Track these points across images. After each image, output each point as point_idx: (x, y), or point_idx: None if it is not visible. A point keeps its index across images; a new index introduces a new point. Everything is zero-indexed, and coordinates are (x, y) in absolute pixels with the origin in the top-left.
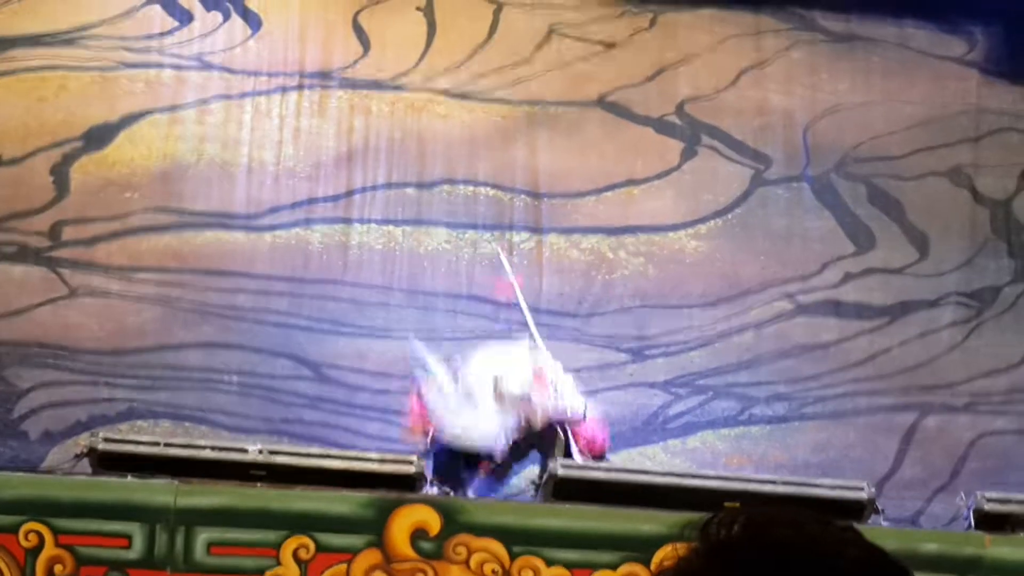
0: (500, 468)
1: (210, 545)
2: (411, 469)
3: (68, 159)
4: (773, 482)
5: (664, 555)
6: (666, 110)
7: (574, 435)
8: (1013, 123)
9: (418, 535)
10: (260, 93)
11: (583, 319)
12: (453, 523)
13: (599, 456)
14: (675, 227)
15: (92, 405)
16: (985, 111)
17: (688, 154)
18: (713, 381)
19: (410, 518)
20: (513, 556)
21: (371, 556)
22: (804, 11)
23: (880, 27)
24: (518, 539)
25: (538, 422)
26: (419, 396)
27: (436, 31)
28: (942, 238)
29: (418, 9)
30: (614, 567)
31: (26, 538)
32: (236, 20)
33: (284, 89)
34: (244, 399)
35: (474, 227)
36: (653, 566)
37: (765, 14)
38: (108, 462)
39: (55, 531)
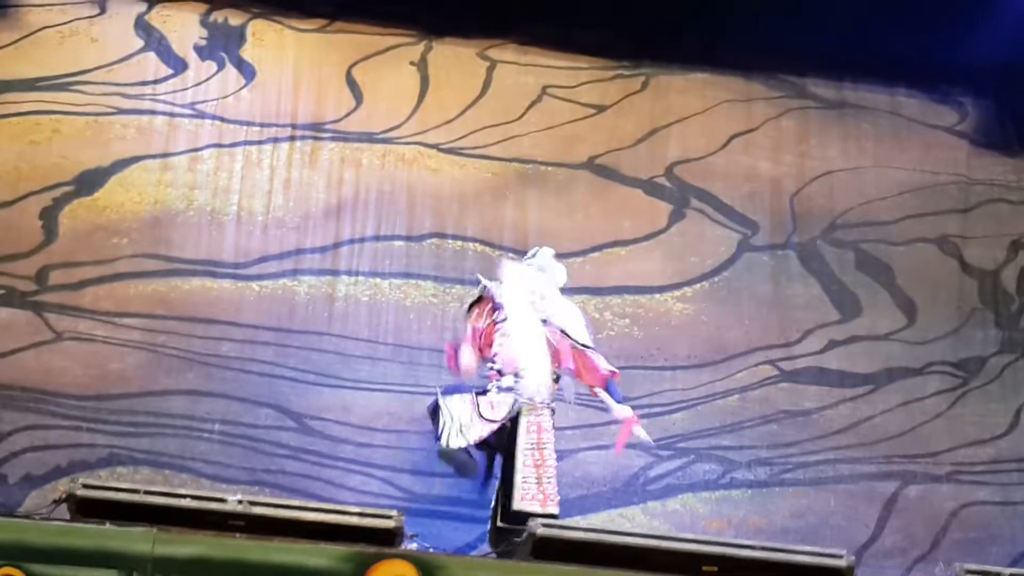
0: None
1: None
2: (391, 524)
3: (59, 203)
4: (752, 547)
5: None
6: (656, 172)
7: (583, 361)
8: (1003, 194)
9: None
10: (252, 143)
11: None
12: None
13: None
14: (661, 289)
15: (73, 450)
16: (975, 182)
17: (676, 216)
18: (695, 444)
19: (388, 573)
20: None
21: None
22: (796, 78)
23: (872, 94)
24: None
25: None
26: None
27: (429, 86)
28: (930, 306)
29: (412, 64)
30: None
31: None
32: (230, 70)
33: (276, 140)
34: (226, 448)
35: (461, 282)
36: None
37: (757, 81)
38: (86, 508)
39: None
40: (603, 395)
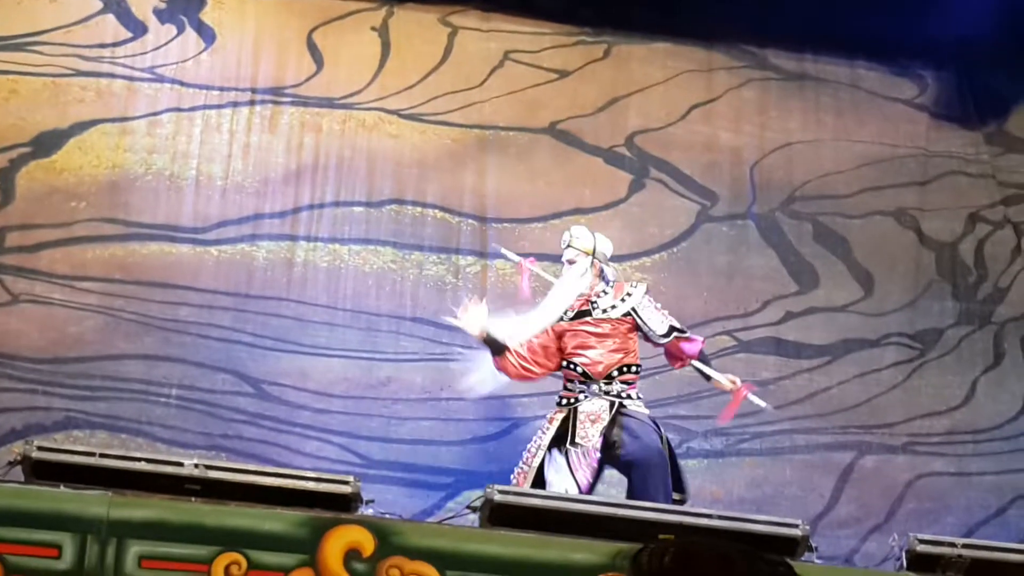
0: None
1: (141, 558)
2: (347, 489)
3: (15, 164)
4: (708, 516)
5: None
6: (616, 141)
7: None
8: (961, 167)
9: (351, 556)
10: (211, 107)
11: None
12: (387, 545)
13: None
14: (620, 259)
15: (28, 413)
16: (934, 154)
17: (636, 186)
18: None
19: (344, 538)
20: None
21: (304, 575)
22: (757, 49)
23: (832, 67)
24: (452, 563)
25: None
26: None
27: (390, 52)
28: (887, 278)
29: (373, 29)
30: None
31: None
32: (190, 33)
33: (235, 104)
34: (183, 413)
35: (420, 248)
36: None
37: (718, 51)
38: (41, 471)
39: None
40: (701, 367)
